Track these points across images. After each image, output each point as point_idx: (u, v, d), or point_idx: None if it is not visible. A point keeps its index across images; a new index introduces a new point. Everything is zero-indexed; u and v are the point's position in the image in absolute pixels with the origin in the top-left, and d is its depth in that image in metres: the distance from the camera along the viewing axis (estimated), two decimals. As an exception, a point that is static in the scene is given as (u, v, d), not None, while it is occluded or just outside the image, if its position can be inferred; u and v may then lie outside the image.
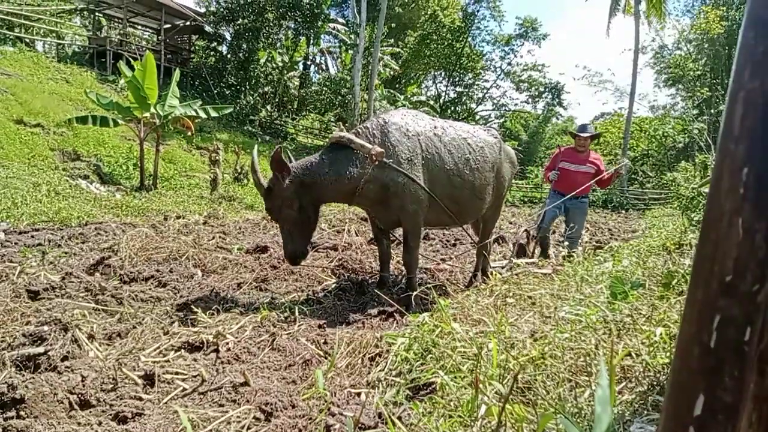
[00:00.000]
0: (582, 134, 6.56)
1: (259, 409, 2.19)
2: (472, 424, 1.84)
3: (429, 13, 32.00)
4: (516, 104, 37.00)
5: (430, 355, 2.45)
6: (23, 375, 2.46)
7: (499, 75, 35.23)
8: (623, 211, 21.67)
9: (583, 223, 6.67)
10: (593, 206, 23.70)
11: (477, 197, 4.76)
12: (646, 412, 1.84)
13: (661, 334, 2.16)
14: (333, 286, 4.67)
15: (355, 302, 4.38)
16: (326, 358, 2.95)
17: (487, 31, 34.68)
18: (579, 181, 6.29)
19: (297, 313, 3.78)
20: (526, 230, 6.26)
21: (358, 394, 2.36)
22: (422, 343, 2.58)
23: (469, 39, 33.32)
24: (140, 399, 2.42)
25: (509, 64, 34.92)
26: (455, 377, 2.17)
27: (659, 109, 35.23)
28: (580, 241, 6.72)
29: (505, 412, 1.71)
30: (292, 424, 2.07)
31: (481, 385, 1.91)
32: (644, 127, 31.08)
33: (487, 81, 35.62)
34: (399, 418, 2.01)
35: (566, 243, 6.37)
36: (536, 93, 36.03)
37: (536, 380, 2.10)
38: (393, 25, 31.79)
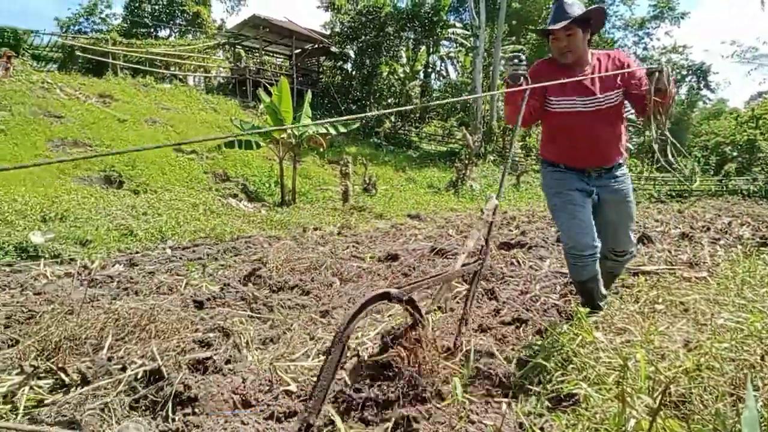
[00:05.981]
0: (555, 26, 3.05)
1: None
2: (620, 438, 1.76)
3: (550, 5, 30.73)
4: (655, 91, 34.06)
5: (571, 365, 2.37)
6: (195, 376, 2.80)
7: (634, 61, 32.71)
8: (794, 201, 18.84)
9: (631, 218, 3.19)
10: (753, 196, 19.42)
11: None
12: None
13: None
14: (464, 293, 4.67)
15: (488, 308, 4.35)
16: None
17: (617, 16, 32.47)
18: (598, 134, 3.06)
19: (430, 320, 3.85)
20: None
21: (497, 403, 2.35)
22: (562, 352, 2.50)
23: (597, 27, 31.38)
24: (293, 400, 2.64)
25: (645, 48, 32.41)
26: (599, 389, 2.08)
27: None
28: (634, 251, 3.37)
29: (656, 426, 1.62)
30: (433, 430, 2.12)
31: (628, 398, 1.82)
32: (816, 104, 26.93)
33: (620, 69, 33.21)
34: (541, 429, 1.98)
35: (609, 264, 3.31)
36: (678, 77, 32.96)
37: (692, 394, 1.95)
38: (513, 22, 30.99)
